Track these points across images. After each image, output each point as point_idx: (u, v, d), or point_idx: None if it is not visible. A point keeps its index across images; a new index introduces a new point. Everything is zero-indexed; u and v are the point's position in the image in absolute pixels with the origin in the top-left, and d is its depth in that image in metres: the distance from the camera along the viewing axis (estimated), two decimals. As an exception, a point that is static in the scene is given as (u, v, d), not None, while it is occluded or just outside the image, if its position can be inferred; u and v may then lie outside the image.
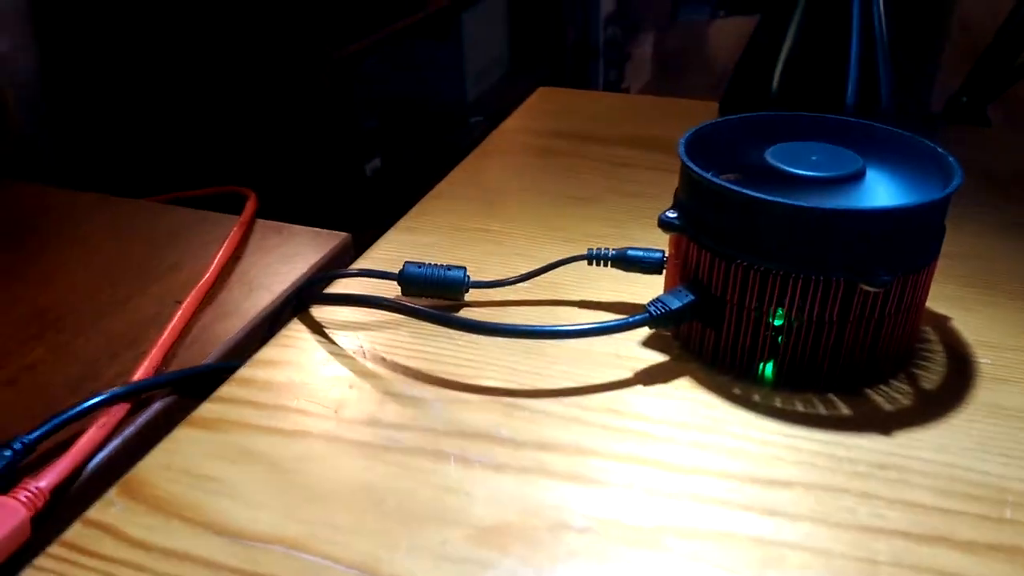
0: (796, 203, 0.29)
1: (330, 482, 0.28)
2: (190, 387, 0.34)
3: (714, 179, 0.31)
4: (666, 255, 0.36)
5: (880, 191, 0.32)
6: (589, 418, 0.31)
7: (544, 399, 0.32)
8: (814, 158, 0.33)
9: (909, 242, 0.29)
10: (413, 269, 0.38)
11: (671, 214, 0.33)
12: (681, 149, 0.33)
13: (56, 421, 0.29)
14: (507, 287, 0.38)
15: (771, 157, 0.33)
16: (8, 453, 0.27)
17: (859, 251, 0.29)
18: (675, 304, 0.32)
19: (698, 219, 0.32)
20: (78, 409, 0.30)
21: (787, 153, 0.33)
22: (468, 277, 0.37)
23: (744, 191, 0.29)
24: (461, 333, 0.35)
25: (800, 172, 0.32)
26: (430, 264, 0.38)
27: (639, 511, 0.27)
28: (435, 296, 0.38)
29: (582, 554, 0.25)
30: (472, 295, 0.38)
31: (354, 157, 0.79)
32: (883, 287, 0.28)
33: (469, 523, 0.26)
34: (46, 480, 0.27)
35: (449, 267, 0.38)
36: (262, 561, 0.25)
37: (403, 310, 0.36)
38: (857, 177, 0.32)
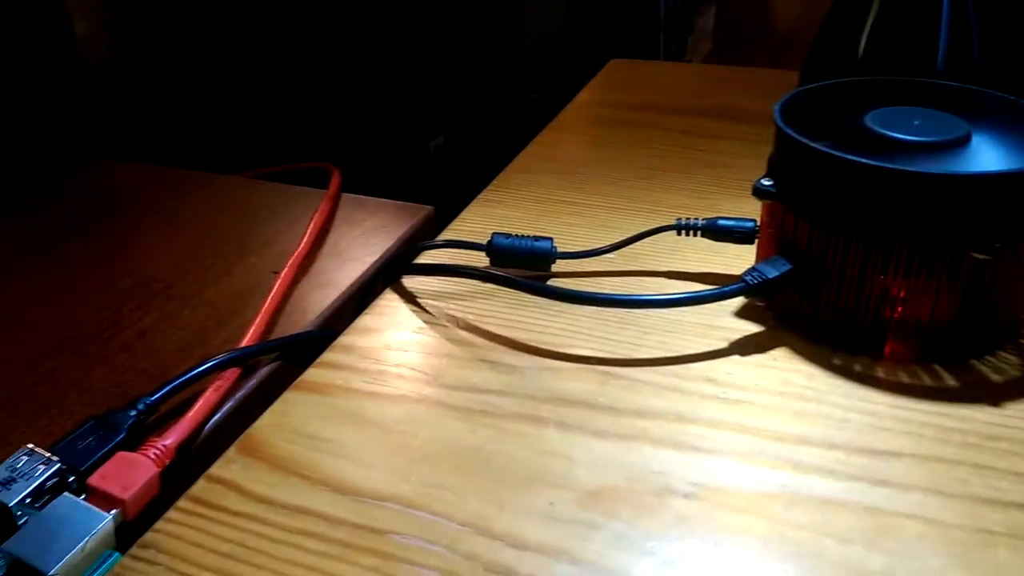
0: (904, 168, 0.28)
1: (436, 444, 0.29)
2: (294, 353, 0.35)
3: (816, 145, 0.30)
4: (758, 224, 0.36)
5: (987, 156, 0.31)
6: (687, 387, 0.31)
7: (639, 368, 0.32)
8: (916, 123, 0.32)
9: (1022, 208, 0.29)
10: (501, 240, 0.38)
11: (766, 182, 0.33)
12: (777, 115, 0.33)
13: (174, 383, 0.30)
14: (595, 258, 0.38)
15: (872, 122, 0.32)
16: (133, 413, 0.29)
17: (970, 217, 0.28)
18: (772, 273, 0.32)
19: (796, 186, 0.32)
20: (194, 373, 0.31)
21: (888, 118, 0.32)
22: (555, 248, 0.38)
23: (850, 156, 0.29)
24: (551, 303, 0.35)
25: (903, 137, 0.31)
26: (517, 235, 0.38)
27: (744, 478, 0.27)
28: (522, 267, 0.38)
29: (691, 519, 0.25)
30: (559, 266, 0.38)
31: (419, 134, 0.79)
32: (994, 255, 0.28)
33: (574, 486, 0.27)
34: (171, 439, 0.28)
35: (537, 238, 0.38)
36: (379, 517, 0.26)
37: (495, 279, 0.36)
38: (963, 142, 0.31)
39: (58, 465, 0.26)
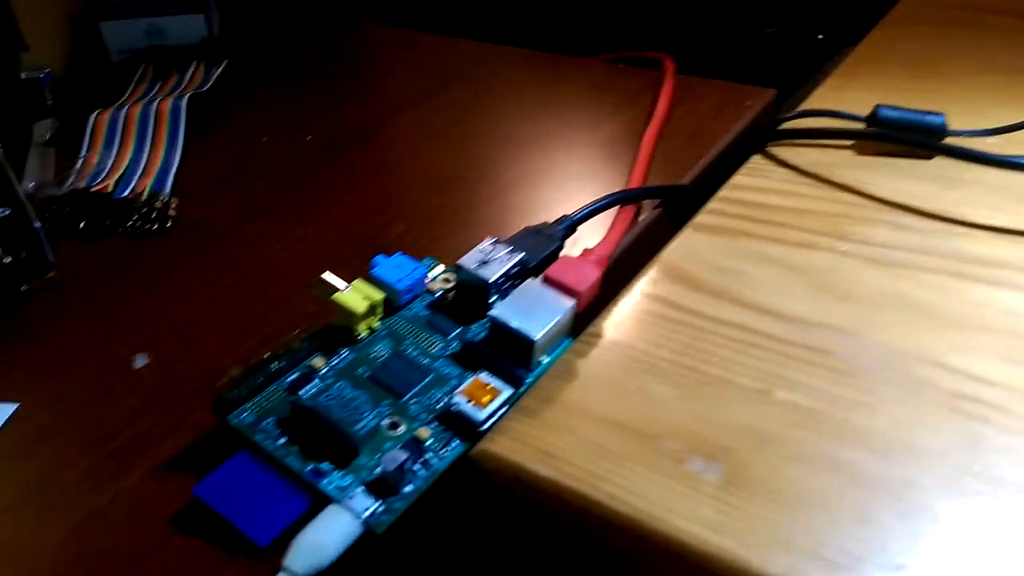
0: None
1: (857, 288, 0.29)
2: (674, 202, 0.36)
3: None
4: None
5: None
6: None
7: (1058, 241, 0.31)
8: None
9: None
10: (888, 111, 0.37)
11: None
12: None
13: (592, 207, 0.32)
14: (989, 136, 0.37)
15: None
16: (561, 227, 0.31)
17: None
18: None
19: None
20: (605, 201, 0.33)
21: None
22: (947, 124, 0.37)
23: None
24: (939, 174, 0.35)
25: None
26: (904, 108, 0.37)
27: None
28: (904, 143, 0.37)
29: None
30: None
31: (754, 23, 0.77)
32: None
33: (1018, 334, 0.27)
34: (603, 250, 0.30)
35: (926, 112, 0.37)
36: (820, 339, 0.27)
37: (893, 139, 0.36)
38: None
39: (521, 255, 0.28)
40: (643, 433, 0.24)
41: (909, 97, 0.42)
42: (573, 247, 0.32)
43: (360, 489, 0.22)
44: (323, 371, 0.25)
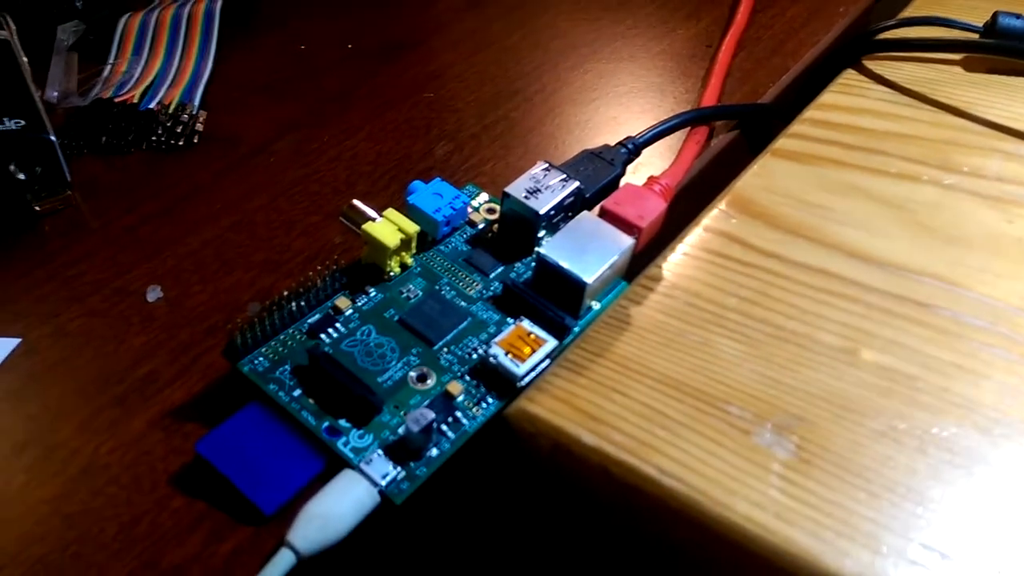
0: None
1: (962, 229, 0.25)
2: (752, 123, 0.32)
3: None
4: None
5: None
6: None
7: None
8: None
9: None
10: (1010, 19, 0.32)
11: None
12: None
13: (658, 129, 0.29)
14: None
15: None
16: (624, 151, 0.27)
17: None
18: None
19: None
20: (673, 122, 0.29)
21: None
22: (1081, 35, 0.31)
23: None
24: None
25: None
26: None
27: None
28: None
29: None
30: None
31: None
32: None
33: None
34: (670, 178, 0.27)
35: (1056, 21, 0.31)
36: (917, 290, 0.23)
37: (1007, 50, 0.31)
38: None
39: (576, 184, 0.25)
40: (705, 396, 0.21)
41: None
42: (635, 174, 0.29)
43: (379, 452, 0.19)
44: (347, 313, 0.22)
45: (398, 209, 0.24)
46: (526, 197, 0.24)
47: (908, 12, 0.38)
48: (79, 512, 0.19)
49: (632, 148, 0.28)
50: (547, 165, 0.25)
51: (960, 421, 0.20)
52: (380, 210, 0.24)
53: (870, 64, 0.34)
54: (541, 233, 0.25)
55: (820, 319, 0.23)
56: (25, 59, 0.28)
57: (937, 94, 0.31)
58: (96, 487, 0.19)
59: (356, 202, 0.23)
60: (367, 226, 0.23)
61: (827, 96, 0.32)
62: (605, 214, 0.24)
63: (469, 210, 0.26)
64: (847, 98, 0.32)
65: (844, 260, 0.24)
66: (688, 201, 0.28)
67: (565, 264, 0.23)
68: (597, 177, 0.26)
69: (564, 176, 0.25)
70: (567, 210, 0.25)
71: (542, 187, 0.25)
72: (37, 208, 0.28)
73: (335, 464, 0.19)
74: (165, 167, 0.30)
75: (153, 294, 0.24)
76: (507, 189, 0.25)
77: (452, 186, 0.25)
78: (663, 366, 0.22)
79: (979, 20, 0.34)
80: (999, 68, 0.33)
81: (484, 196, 0.27)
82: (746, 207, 0.27)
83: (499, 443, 0.21)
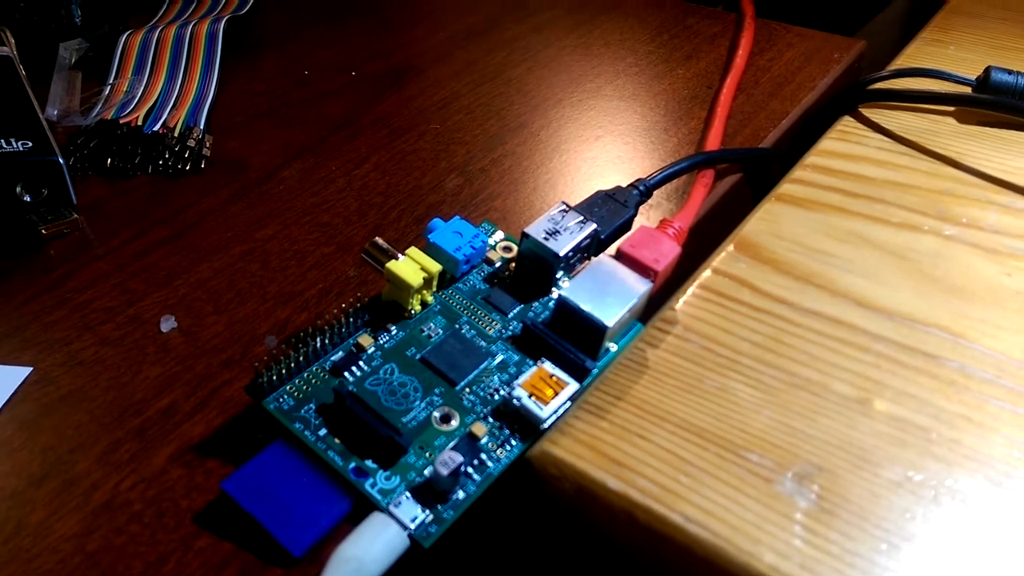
0: None
1: (964, 279, 0.26)
2: (755, 167, 0.33)
3: None
4: None
5: None
6: None
7: None
8: None
9: None
10: (1003, 75, 0.33)
11: None
12: None
13: (669, 171, 0.29)
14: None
15: None
16: (636, 192, 0.28)
17: None
18: None
19: None
20: (683, 164, 0.30)
21: None
22: (1068, 93, 0.32)
23: None
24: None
25: None
26: (1020, 71, 0.33)
27: None
28: (1014, 112, 0.33)
29: None
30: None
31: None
32: None
33: None
34: (682, 221, 0.27)
35: (1045, 78, 0.33)
36: (925, 340, 0.24)
37: (1002, 106, 0.32)
38: None
39: (594, 226, 0.25)
40: (726, 443, 0.21)
41: (1009, 58, 0.38)
42: (642, 215, 0.29)
43: (406, 494, 0.19)
44: (370, 351, 0.22)
45: (416, 244, 0.24)
46: (545, 239, 0.25)
47: (900, 61, 0.39)
48: (102, 549, 0.18)
49: (644, 190, 0.28)
50: (565, 206, 0.26)
51: (972, 473, 0.20)
52: (393, 243, 0.24)
53: (867, 112, 0.35)
54: (559, 274, 0.25)
55: (833, 367, 0.23)
56: (24, 73, 0.27)
57: (932, 144, 0.33)
58: (119, 524, 0.19)
59: (379, 240, 0.23)
60: (391, 265, 0.23)
61: (826, 143, 0.33)
62: (621, 257, 0.25)
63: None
64: (846, 145, 0.33)
65: (853, 309, 0.25)
66: (692, 243, 0.28)
67: (586, 307, 0.23)
68: (611, 218, 0.27)
69: (582, 218, 0.25)
70: (583, 251, 0.26)
71: (560, 228, 0.25)
72: (43, 231, 0.27)
73: (361, 505, 0.19)
74: (172, 192, 0.30)
75: (167, 324, 0.24)
76: (526, 230, 0.25)
77: (471, 224, 0.25)
78: (683, 411, 0.22)
79: (970, 71, 0.35)
80: (989, 120, 0.34)
81: (500, 234, 0.27)
82: (755, 252, 0.27)
83: (522, 485, 0.21)
